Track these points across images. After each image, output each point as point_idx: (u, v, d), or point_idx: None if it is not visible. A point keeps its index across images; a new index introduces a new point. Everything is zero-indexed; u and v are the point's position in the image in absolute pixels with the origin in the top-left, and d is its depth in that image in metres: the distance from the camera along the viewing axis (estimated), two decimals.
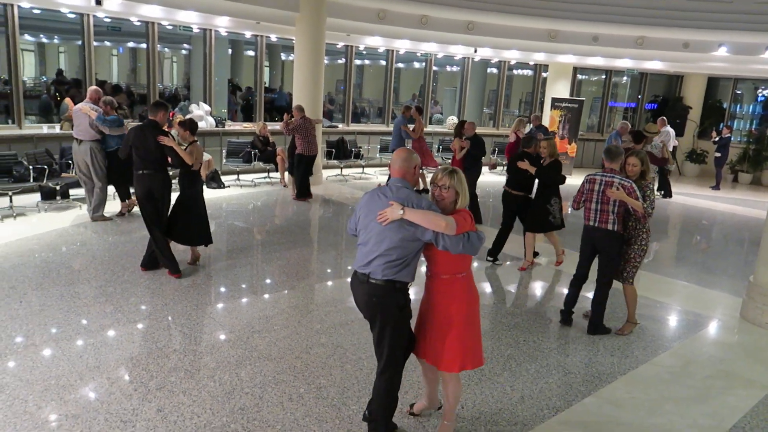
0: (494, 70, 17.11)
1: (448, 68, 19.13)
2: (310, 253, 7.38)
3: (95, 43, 10.38)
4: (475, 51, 14.62)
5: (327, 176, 12.22)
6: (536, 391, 4.19)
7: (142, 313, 5.09)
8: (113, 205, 8.36)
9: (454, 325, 3.29)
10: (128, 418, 3.54)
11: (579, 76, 17.37)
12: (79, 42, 10.45)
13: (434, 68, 15.67)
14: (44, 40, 18.35)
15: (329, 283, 6.42)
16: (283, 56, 18.06)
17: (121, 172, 7.75)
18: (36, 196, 8.44)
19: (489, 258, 7.08)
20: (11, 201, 7.86)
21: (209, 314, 5.19)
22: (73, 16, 10.16)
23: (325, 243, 7.98)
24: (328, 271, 6.87)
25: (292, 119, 9.55)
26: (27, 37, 14.58)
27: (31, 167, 8.03)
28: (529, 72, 17.74)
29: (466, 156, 8.34)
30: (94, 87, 8.09)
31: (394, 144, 11.43)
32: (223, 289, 5.87)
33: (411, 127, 11.14)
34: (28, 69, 16.03)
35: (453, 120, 15.60)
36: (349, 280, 6.39)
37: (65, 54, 19.54)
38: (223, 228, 8.24)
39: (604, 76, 17.46)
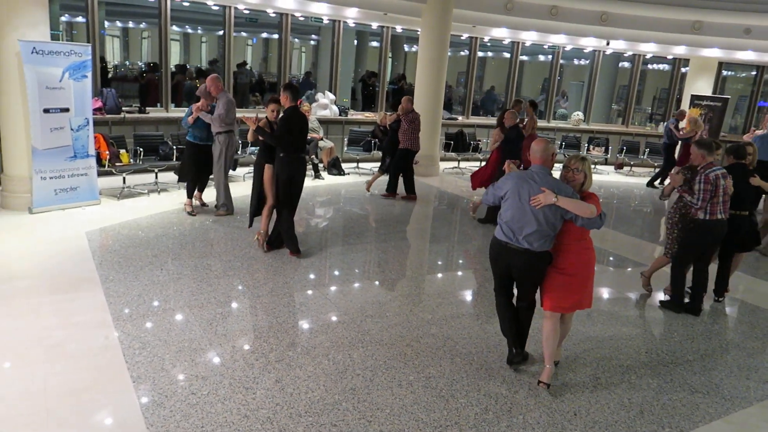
0: (626, 64, 16.11)
1: (576, 61, 18.31)
2: (424, 244, 7.43)
3: (233, 34, 11.08)
4: (608, 44, 13.85)
5: (443, 168, 12.21)
6: (657, 407, 3.94)
7: (264, 288, 5.40)
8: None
9: (591, 274, 4.04)
10: (249, 385, 3.79)
11: (724, 72, 15.92)
12: (220, 32, 11.22)
13: (561, 61, 15.06)
14: (189, 30, 19.90)
15: (440, 275, 6.43)
16: (406, 47, 18.25)
17: (199, 167, 7.52)
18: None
19: (717, 299, 5.97)
20: (156, 177, 8.66)
21: (325, 295, 5.40)
22: (216, 8, 10.91)
23: (439, 235, 7.99)
24: (440, 263, 6.88)
25: (389, 114, 9.48)
26: (174, 27, 15.91)
27: (174, 147, 8.79)
28: (666, 66, 16.55)
29: (504, 149, 8.00)
30: (214, 75, 7.52)
31: None
32: (337, 273, 6.08)
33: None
34: (174, 57, 17.49)
35: (578, 116, 14.94)
36: (460, 273, 6.44)
37: (206, 44, 21.10)
38: (340, 214, 8.52)
39: (754, 73, 15.85)
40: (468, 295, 5.77)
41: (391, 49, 14.05)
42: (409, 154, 9.22)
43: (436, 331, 4.78)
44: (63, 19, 14.35)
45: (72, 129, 7.25)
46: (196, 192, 7.75)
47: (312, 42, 18.30)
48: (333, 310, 5.07)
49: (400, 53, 18.15)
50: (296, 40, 18.56)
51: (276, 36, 11.86)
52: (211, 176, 7.76)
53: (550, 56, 15.20)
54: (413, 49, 15.66)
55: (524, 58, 16.09)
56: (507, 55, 15.01)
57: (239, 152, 9.88)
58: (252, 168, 6.48)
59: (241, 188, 9.22)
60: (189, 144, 7.48)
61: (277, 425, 3.39)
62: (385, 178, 9.54)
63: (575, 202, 3.75)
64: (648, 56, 15.47)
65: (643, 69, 15.91)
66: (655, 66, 17.24)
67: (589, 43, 14.13)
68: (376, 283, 5.88)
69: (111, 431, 3.30)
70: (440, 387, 3.95)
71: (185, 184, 7.69)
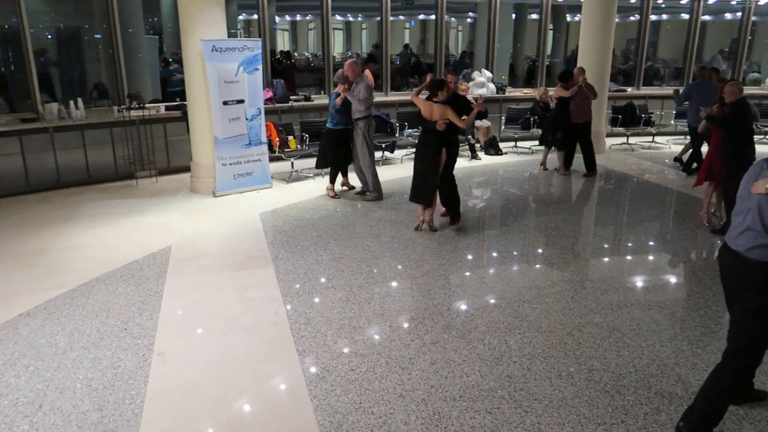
0: None
1: None
2: (588, 227, 6.98)
3: (391, 18, 11.25)
4: None
5: (610, 145, 11.35)
6: None
7: (421, 270, 5.45)
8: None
9: None
10: (405, 365, 3.85)
11: None
12: (378, 18, 11.46)
13: (752, 18, 13.12)
14: (350, 18, 20.68)
15: (606, 259, 5.99)
16: (568, 17, 17.18)
17: (339, 152, 7.60)
18: None
19: None
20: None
21: (481, 278, 5.30)
22: None
23: (605, 217, 7.45)
24: (606, 246, 6.41)
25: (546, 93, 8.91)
26: (337, 17, 16.63)
27: None
28: None
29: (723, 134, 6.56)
30: (352, 60, 7.60)
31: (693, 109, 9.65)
32: (495, 255, 5.94)
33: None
34: (337, 46, 18.33)
35: None
36: (629, 257, 5.95)
37: (366, 30, 21.77)
38: (498, 194, 8.31)
39: None
40: (638, 282, 5.30)
41: (552, 20, 13.31)
42: (588, 126, 8.97)
43: (600, 321, 4.46)
44: (240, 17, 15.70)
45: (246, 119, 7.90)
46: (339, 177, 7.99)
47: (469, 20, 18.00)
48: (489, 294, 4.96)
49: (562, 24, 17.12)
50: (452, 19, 18.38)
51: (433, 17, 11.82)
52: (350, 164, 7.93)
53: (740, 13, 13.32)
54: (576, 19, 14.69)
55: (706, 18, 14.29)
56: (686, 16, 13.45)
57: (397, 135, 10.07)
58: (415, 151, 6.51)
59: (398, 170, 9.42)
60: (327, 130, 7.61)
61: (432, 407, 3.41)
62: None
63: None
64: None
65: None
66: None
67: None
68: (536, 266, 5.65)
69: (279, 400, 3.55)
70: (604, 381, 3.68)
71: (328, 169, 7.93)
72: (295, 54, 21.33)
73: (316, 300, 4.82)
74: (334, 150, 7.63)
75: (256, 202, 7.61)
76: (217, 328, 4.37)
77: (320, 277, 5.27)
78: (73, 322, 4.43)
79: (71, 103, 8.34)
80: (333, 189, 7.89)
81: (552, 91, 9.61)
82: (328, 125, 7.63)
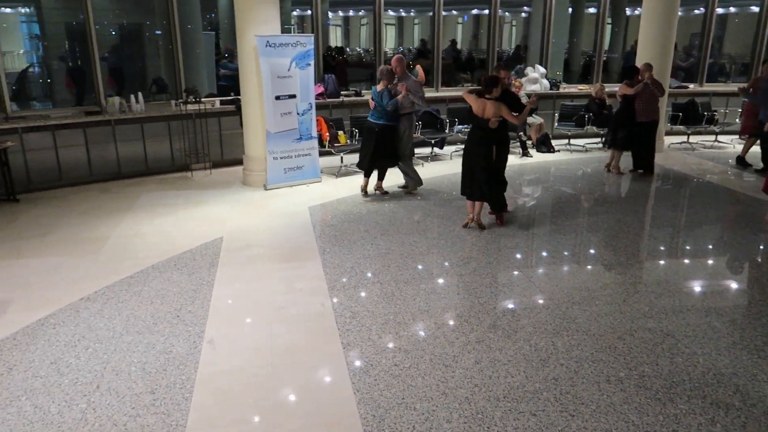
0: None
1: None
2: (643, 228, 6.75)
3: (443, 13, 11.16)
4: None
5: (669, 143, 10.93)
6: None
7: (468, 267, 5.40)
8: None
9: None
10: (449, 363, 3.83)
11: None
12: (430, 13, 11.39)
13: None
14: (402, 13, 20.65)
15: (661, 262, 5.78)
16: (628, 11, 16.62)
17: (380, 148, 7.39)
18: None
19: None
20: None
21: (529, 277, 5.21)
22: None
23: (661, 219, 7.18)
24: (661, 248, 6.17)
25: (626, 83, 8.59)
26: (389, 12, 16.63)
27: None
28: None
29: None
30: (399, 56, 7.57)
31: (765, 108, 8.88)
32: (544, 254, 5.83)
33: None
34: (389, 41, 18.34)
35: None
36: (686, 261, 5.72)
37: (419, 25, 21.69)
38: (549, 193, 8.15)
39: None
40: (695, 287, 5.10)
41: (610, 13, 12.91)
42: (655, 125, 8.71)
43: (653, 326, 4.32)
44: (294, 13, 15.91)
45: (298, 113, 8.01)
46: (376, 180, 7.73)
47: (523, 14, 17.67)
48: (537, 294, 4.88)
49: (621, 17, 16.57)
50: (506, 13, 18.08)
51: (486, 11, 11.67)
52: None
53: None
54: (636, 12, 14.19)
55: None
56: (755, 8, 12.79)
57: (447, 131, 10.01)
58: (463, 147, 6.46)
59: (447, 167, 9.37)
60: (372, 126, 7.35)
61: (475, 407, 3.37)
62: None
63: None
64: None
65: None
66: None
67: None
68: (587, 267, 5.51)
69: (322, 391, 3.60)
70: (656, 388, 3.55)
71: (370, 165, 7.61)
72: (347, 49, 21.49)
73: (362, 294, 4.85)
74: (379, 147, 7.38)
75: (306, 196, 7.71)
76: (265, 318, 4.46)
77: (366, 272, 5.29)
78: (129, 308, 4.61)
79: (132, 97, 8.67)
80: (366, 185, 7.68)
81: (615, 88, 9.32)
82: (376, 121, 7.35)
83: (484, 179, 6.13)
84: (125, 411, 3.35)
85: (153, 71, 10.89)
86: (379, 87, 7.25)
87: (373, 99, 7.34)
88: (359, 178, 8.57)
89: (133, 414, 3.33)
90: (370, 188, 7.74)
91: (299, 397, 3.52)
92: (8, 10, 11.39)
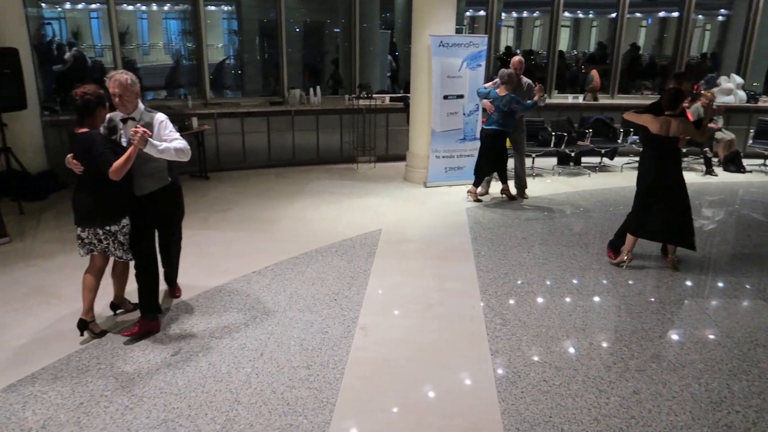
0: None
1: None
2: None
3: (626, 15, 10.45)
4: None
5: None
6: None
7: (632, 289, 5.03)
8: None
9: None
10: (604, 388, 3.60)
11: None
12: (613, 14, 10.73)
13: None
14: (579, 15, 19.71)
15: None
16: None
17: (499, 154, 7.30)
18: (553, 160, 9.39)
19: None
20: (533, 162, 8.94)
21: (704, 309, 4.72)
22: None
23: None
24: None
25: None
26: (566, 14, 15.95)
27: (553, 134, 8.88)
28: None
29: None
30: (520, 58, 7.42)
31: None
32: (721, 285, 5.23)
33: None
34: (562, 43, 17.59)
35: None
36: None
37: (596, 27, 20.55)
38: (733, 218, 7.30)
39: None
40: None
41: None
42: None
43: None
44: (467, 14, 15.93)
45: (464, 114, 8.02)
46: (502, 184, 7.63)
47: (720, 18, 15.96)
48: (712, 328, 4.40)
49: None
50: (700, 17, 16.45)
51: (675, 14, 10.72)
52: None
53: None
54: None
55: None
56: None
57: (620, 141, 9.40)
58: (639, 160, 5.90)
59: (616, 179, 8.82)
60: (492, 132, 7.13)
61: None
62: None
63: None
64: None
65: None
66: None
67: None
68: None
69: (466, 394, 3.57)
70: None
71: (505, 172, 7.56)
72: (517, 51, 21.04)
73: (514, 302, 4.74)
74: (494, 153, 7.24)
75: (464, 197, 7.70)
76: (415, 312, 4.54)
77: (520, 280, 5.16)
78: (293, 286, 4.96)
79: (311, 90, 9.30)
80: (475, 192, 7.54)
81: None
82: (492, 127, 7.14)
83: (685, 208, 5.38)
84: (283, 381, 3.62)
85: (330, 66, 11.59)
86: (500, 91, 7.04)
87: (492, 103, 7.11)
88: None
89: (290, 385, 3.58)
90: (480, 191, 7.69)
91: (443, 397, 3.53)
92: (213, 7, 12.81)
